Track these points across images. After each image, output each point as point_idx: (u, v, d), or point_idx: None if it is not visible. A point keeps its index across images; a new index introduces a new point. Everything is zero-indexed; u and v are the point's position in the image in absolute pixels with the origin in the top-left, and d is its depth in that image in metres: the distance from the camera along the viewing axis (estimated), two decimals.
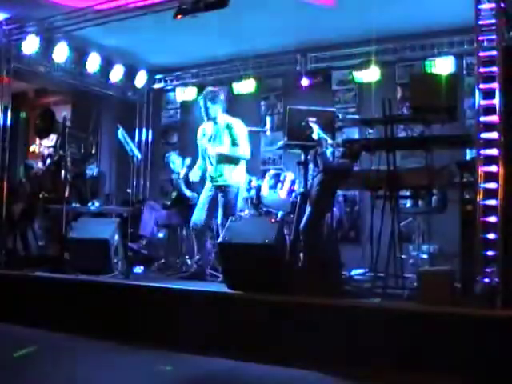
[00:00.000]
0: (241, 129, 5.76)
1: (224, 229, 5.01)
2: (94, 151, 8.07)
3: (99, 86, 8.61)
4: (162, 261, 6.77)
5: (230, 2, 5.36)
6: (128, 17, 6.15)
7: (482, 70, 4.22)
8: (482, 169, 4.10)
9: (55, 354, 4.47)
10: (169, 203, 7.09)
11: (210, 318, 4.47)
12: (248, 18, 6.64)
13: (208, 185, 5.81)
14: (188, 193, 6.82)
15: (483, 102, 4.18)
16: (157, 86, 9.18)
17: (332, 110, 5.76)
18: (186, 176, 6.94)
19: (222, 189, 5.67)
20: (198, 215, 5.74)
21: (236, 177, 5.74)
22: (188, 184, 6.86)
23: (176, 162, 7.21)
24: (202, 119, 5.89)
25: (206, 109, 5.74)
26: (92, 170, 7.46)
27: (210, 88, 6.13)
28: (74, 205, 6.85)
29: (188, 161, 7.01)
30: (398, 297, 4.38)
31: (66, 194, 6.26)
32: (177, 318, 4.61)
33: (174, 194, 7.09)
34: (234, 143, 5.70)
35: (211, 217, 5.80)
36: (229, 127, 5.72)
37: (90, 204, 6.99)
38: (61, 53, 7.36)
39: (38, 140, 7.95)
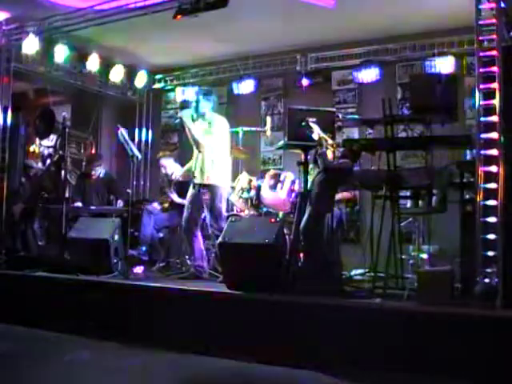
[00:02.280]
0: (218, 126, 5.72)
1: (223, 229, 5.00)
2: (94, 151, 8.08)
3: (99, 85, 8.62)
4: (163, 264, 6.76)
5: (229, 2, 5.37)
6: (128, 17, 6.16)
7: (482, 70, 4.21)
8: (482, 169, 4.10)
9: (55, 354, 4.48)
10: (167, 205, 7.09)
11: (210, 318, 4.47)
12: (248, 18, 6.65)
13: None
14: (181, 201, 6.77)
15: (483, 103, 4.18)
16: (157, 85, 9.19)
17: (332, 110, 5.76)
18: (178, 183, 6.93)
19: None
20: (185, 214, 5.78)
21: (218, 176, 5.71)
22: (182, 190, 6.84)
23: (168, 166, 7.18)
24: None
25: (197, 103, 5.72)
26: (99, 170, 7.46)
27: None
28: (74, 204, 6.86)
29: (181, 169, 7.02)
30: (398, 297, 4.37)
31: (67, 193, 6.24)
32: (177, 318, 4.60)
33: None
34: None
35: (198, 215, 5.79)
36: (210, 123, 5.72)
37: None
38: (61, 53, 7.37)
39: (37, 140, 7.95)
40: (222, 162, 5.77)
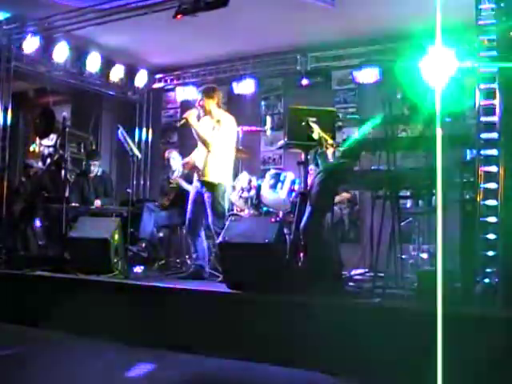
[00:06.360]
0: (226, 124, 5.66)
1: (224, 229, 5.00)
2: (94, 148, 8.09)
3: (99, 85, 8.63)
4: (162, 261, 6.77)
5: (229, 2, 5.37)
6: (128, 16, 6.17)
7: (482, 70, 4.21)
8: (482, 169, 4.10)
9: (55, 353, 4.48)
10: (167, 203, 7.09)
11: (210, 318, 4.47)
12: (248, 18, 6.66)
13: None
14: (189, 186, 6.79)
15: (483, 102, 4.18)
16: (157, 85, 9.19)
17: (332, 110, 5.76)
18: (184, 173, 6.93)
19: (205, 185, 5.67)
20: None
21: (222, 175, 5.65)
22: (188, 180, 6.88)
23: (176, 159, 7.20)
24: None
25: (202, 102, 5.69)
26: (96, 168, 7.46)
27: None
28: (74, 204, 6.87)
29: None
30: (398, 297, 4.37)
31: (67, 193, 6.25)
32: (177, 317, 4.61)
33: (173, 194, 7.08)
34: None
35: (202, 215, 5.77)
36: (218, 121, 5.66)
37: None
38: (61, 53, 7.39)
39: (37, 140, 7.96)
40: (226, 160, 5.68)
